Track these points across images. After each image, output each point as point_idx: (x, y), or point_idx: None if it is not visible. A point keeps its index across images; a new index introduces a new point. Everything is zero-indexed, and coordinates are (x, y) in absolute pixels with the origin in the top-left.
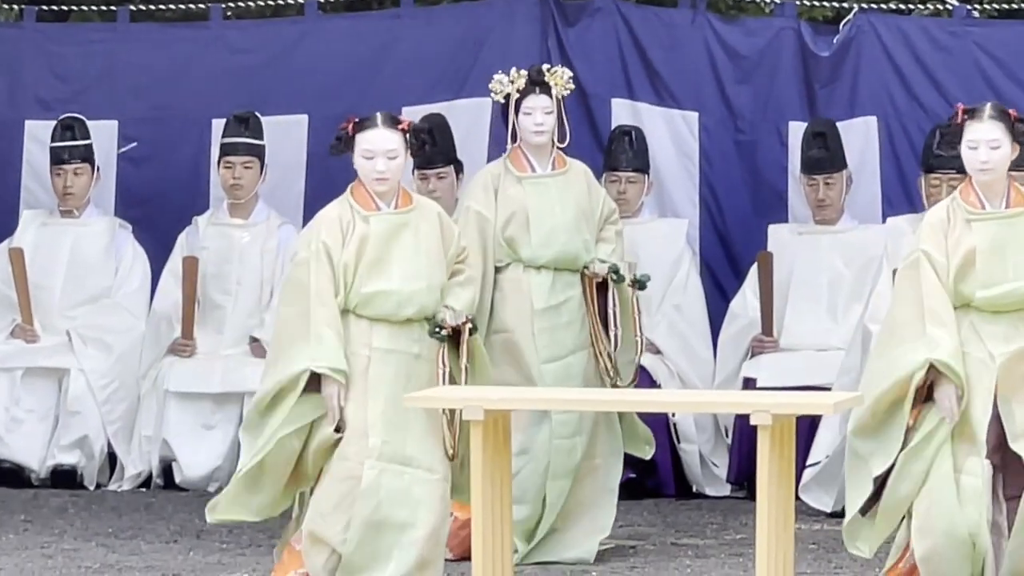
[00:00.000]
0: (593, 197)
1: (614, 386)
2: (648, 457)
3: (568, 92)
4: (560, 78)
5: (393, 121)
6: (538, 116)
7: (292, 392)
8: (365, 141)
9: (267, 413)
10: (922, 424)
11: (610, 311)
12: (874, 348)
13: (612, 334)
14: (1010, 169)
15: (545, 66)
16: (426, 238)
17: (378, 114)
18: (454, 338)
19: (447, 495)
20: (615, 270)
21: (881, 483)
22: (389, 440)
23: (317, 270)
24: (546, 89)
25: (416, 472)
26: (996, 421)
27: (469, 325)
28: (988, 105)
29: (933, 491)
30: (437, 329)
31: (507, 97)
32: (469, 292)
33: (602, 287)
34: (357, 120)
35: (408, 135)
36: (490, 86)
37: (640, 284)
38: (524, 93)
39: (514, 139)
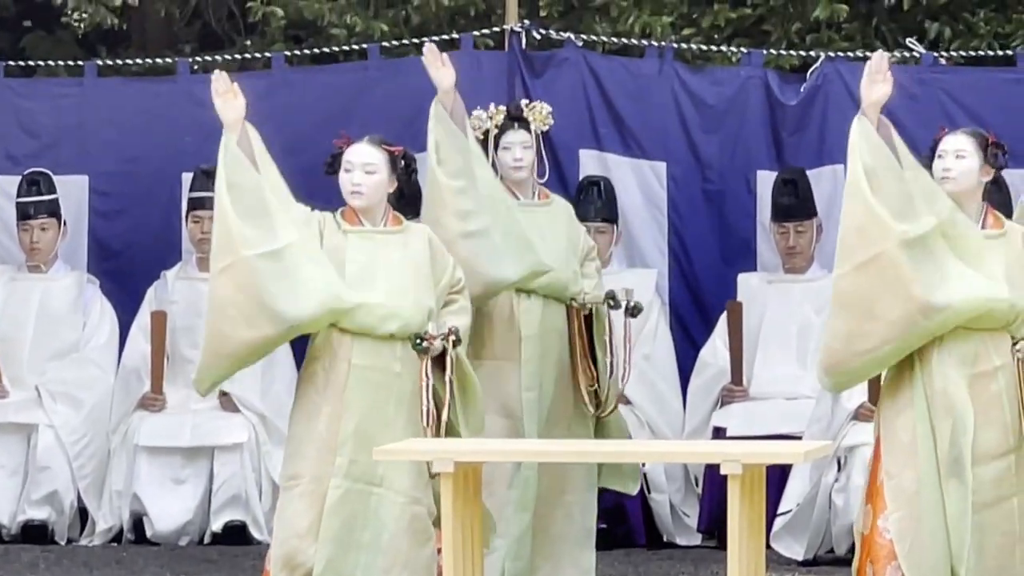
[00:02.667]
0: (576, 232)
1: (597, 418)
2: (634, 493)
3: (547, 127)
4: (539, 113)
5: (380, 141)
6: (517, 151)
7: None
8: (348, 155)
9: None
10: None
11: (597, 342)
12: None
13: (608, 362)
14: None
15: (524, 101)
16: (414, 257)
17: (369, 135)
18: (440, 356)
19: (419, 519)
20: (612, 295)
21: None
22: (358, 459)
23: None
24: (525, 124)
25: (385, 493)
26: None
27: (453, 338)
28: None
29: (922, 519)
30: (419, 341)
31: (486, 133)
32: (461, 321)
33: (588, 320)
34: (349, 141)
35: (397, 159)
36: (469, 121)
37: (634, 311)
38: (503, 129)
39: (494, 174)
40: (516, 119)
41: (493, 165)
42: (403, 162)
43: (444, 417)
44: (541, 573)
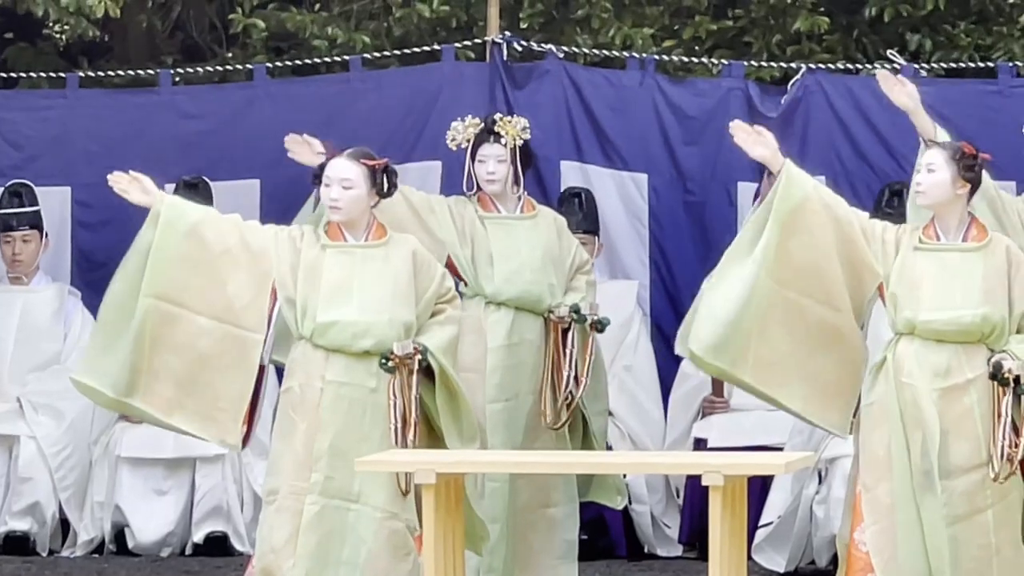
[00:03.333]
0: (564, 245)
1: (556, 428)
2: (620, 507)
3: (522, 141)
4: (513, 127)
5: (361, 155)
6: (491, 164)
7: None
8: (327, 169)
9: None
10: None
11: (569, 354)
12: None
13: (566, 375)
14: None
15: (498, 115)
16: (395, 273)
17: (351, 148)
18: (428, 373)
19: (398, 534)
20: (576, 309)
21: None
22: (334, 475)
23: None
24: (499, 138)
25: (362, 509)
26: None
27: (419, 357)
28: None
29: (900, 530)
30: (384, 360)
31: (459, 145)
32: (447, 331)
33: (566, 333)
34: (337, 153)
35: (377, 173)
36: (447, 132)
37: (600, 326)
38: (479, 141)
39: (470, 186)
40: (491, 132)
41: (469, 176)
42: (384, 175)
43: (410, 436)
44: None
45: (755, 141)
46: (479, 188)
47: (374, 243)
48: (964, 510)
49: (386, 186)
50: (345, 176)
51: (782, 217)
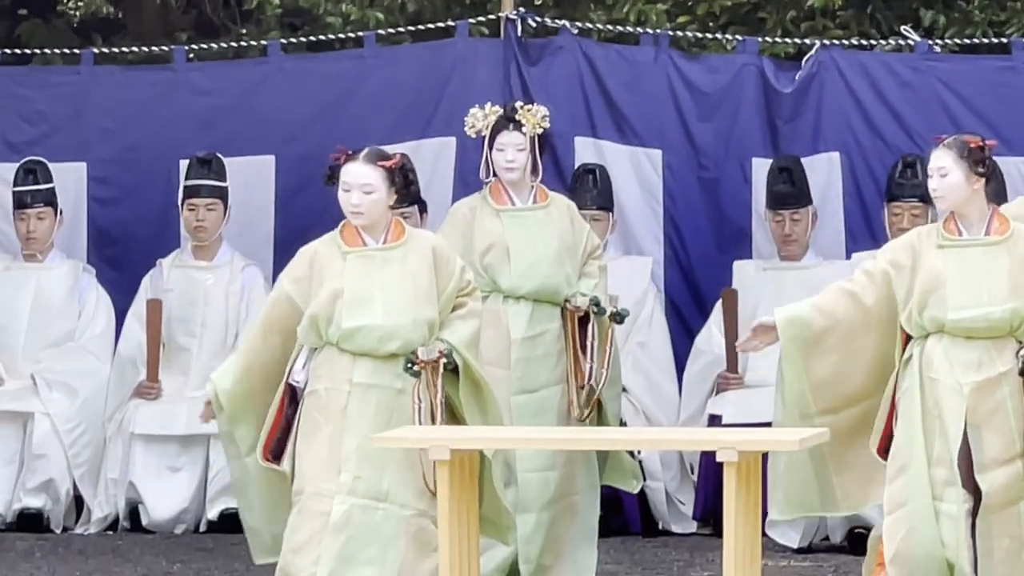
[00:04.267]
0: (577, 232)
1: (582, 421)
2: (635, 491)
3: (542, 130)
4: (533, 116)
5: (377, 157)
6: (510, 153)
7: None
8: (345, 174)
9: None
10: (897, 456)
11: (588, 345)
12: None
13: (587, 368)
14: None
15: (519, 103)
16: (414, 272)
17: (366, 149)
18: (454, 372)
19: (425, 531)
20: (596, 302)
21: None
22: (362, 475)
23: (267, 310)
24: (519, 126)
25: (390, 508)
26: (968, 450)
27: (444, 360)
28: (946, 136)
29: (912, 518)
30: (409, 364)
31: (479, 132)
32: (469, 326)
33: (583, 321)
34: (350, 152)
35: (395, 173)
36: (465, 119)
37: (619, 318)
38: (498, 129)
39: (488, 173)
40: (511, 120)
41: (487, 163)
42: (401, 174)
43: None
44: (548, 573)
45: (755, 344)
46: (495, 176)
47: (393, 245)
48: (999, 502)
49: (404, 184)
50: (365, 181)
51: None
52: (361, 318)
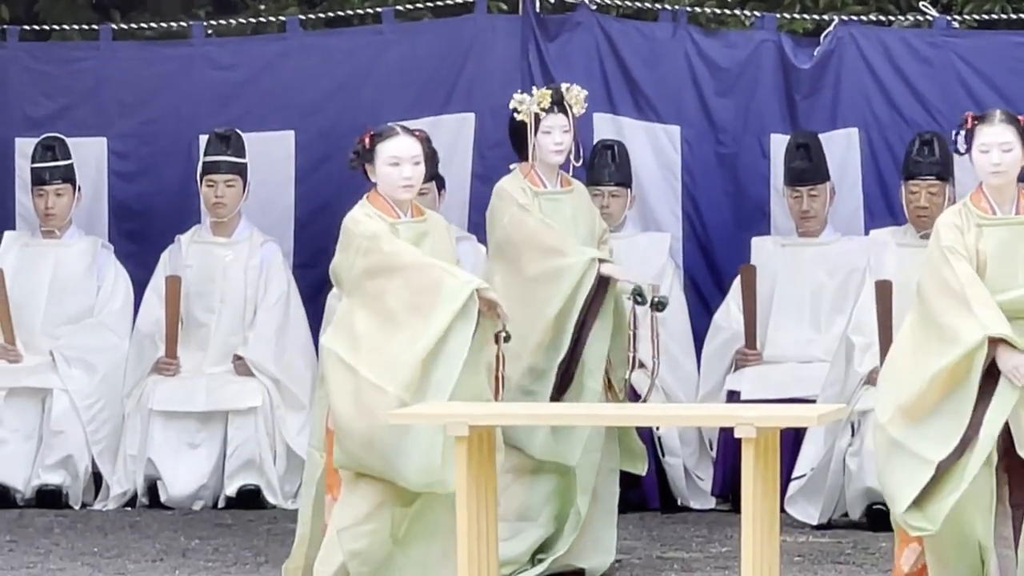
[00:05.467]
0: (594, 215)
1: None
2: (643, 473)
3: (582, 112)
4: (577, 97)
5: (411, 131)
6: (557, 135)
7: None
8: (390, 149)
9: None
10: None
11: (638, 333)
12: (904, 343)
13: (629, 356)
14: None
15: (564, 86)
16: (441, 247)
17: (395, 125)
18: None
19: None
20: (639, 292)
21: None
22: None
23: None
24: (563, 108)
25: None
26: (1004, 428)
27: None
28: (998, 111)
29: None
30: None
31: (535, 116)
32: None
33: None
34: (374, 132)
35: (428, 144)
36: (511, 104)
37: (660, 306)
38: (544, 111)
39: (528, 157)
40: (555, 103)
41: (532, 148)
42: (430, 148)
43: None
44: (569, 552)
45: None
46: (533, 159)
47: (420, 219)
48: None
49: (432, 158)
50: (415, 153)
51: None
52: None
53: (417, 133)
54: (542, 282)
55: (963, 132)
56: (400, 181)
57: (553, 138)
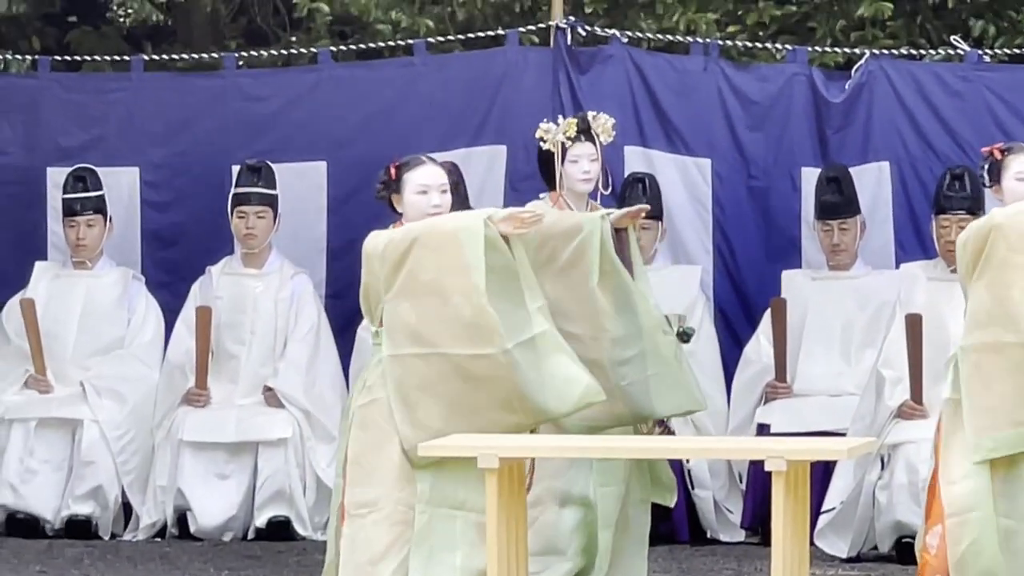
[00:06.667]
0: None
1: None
2: (672, 505)
3: (610, 140)
4: (604, 125)
5: (436, 160)
6: (584, 164)
7: None
8: (418, 177)
9: None
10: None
11: None
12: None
13: None
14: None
15: (591, 114)
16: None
17: (421, 155)
18: None
19: None
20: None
21: None
22: (437, 483)
23: None
24: (590, 137)
25: (468, 515)
26: None
27: None
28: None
29: (976, 527)
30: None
31: (560, 145)
32: None
33: None
34: (400, 163)
35: (453, 174)
36: (537, 134)
37: (685, 337)
38: (571, 140)
39: (556, 186)
40: (583, 131)
41: (560, 177)
42: (456, 176)
43: None
44: None
45: None
46: (560, 189)
47: None
48: None
49: (456, 188)
50: (443, 181)
51: None
52: None
53: (443, 163)
54: (575, 262)
55: (989, 164)
56: (429, 209)
57: (580, 167)
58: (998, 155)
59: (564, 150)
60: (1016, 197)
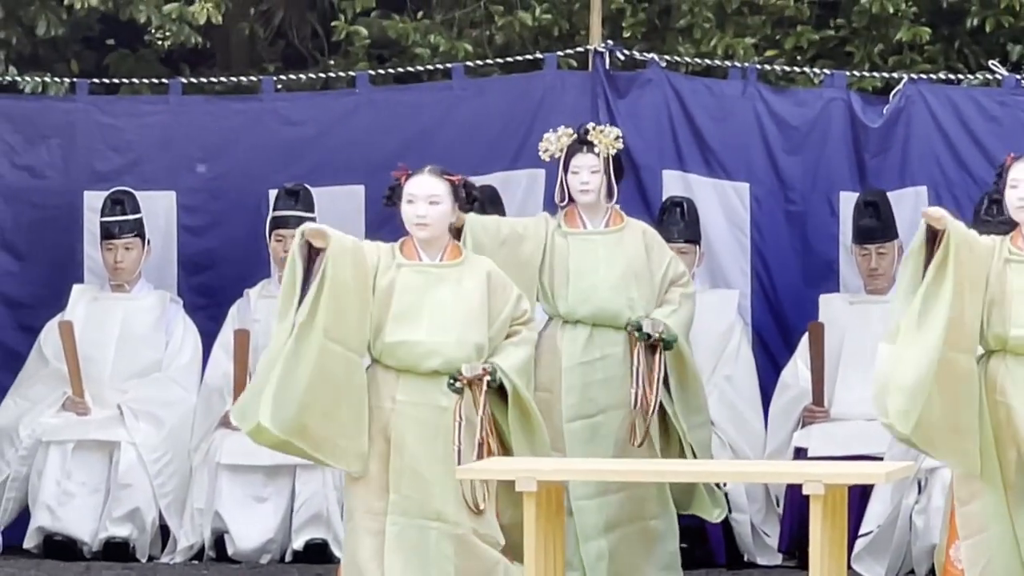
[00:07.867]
0: (654, 257)
1: (638, 446)
2: (717, 520)
3: (615, 151)
4: (606, 137)
5: (440, 171)
6: (584, 175)
7: None
8: (410, 187)
9: None
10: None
11: (640, 370)
12: None
13: (635, 392)
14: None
15: (591, 125)
16: (468, 294)
17: (430, 166)
18: (502, 393)
19: (477, 548)
20: (637, 326)
21: None
22: (411, 495)
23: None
24: (592, 148)
25: (443, 526)
26: None
27: (488, 378)
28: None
29: (993, 546)
30: (452, 380)
31: (552, 156)
32: (521, 352)
33: (652, 348)
34: (409, 172)
35: (458, 188)
36: (540, 144)
37: (665, 344)
38: (571, 152)
39: (563, 197)
40: (584, 142)
41: (562, 187)
42: (464, 191)
43: (483, 455)
44: None
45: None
46: (571, 200)
47: (449, 263)
48: None
49: (467, 199)
50: (432, 192)
51: (958, 282)
52: (404, 333)
53: (451, 177)
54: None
55: (999, 172)
56: (414, 219)
57: (580, 178)
58: (1008, 162)
59: (567, 161)
60: (1011, 203)
